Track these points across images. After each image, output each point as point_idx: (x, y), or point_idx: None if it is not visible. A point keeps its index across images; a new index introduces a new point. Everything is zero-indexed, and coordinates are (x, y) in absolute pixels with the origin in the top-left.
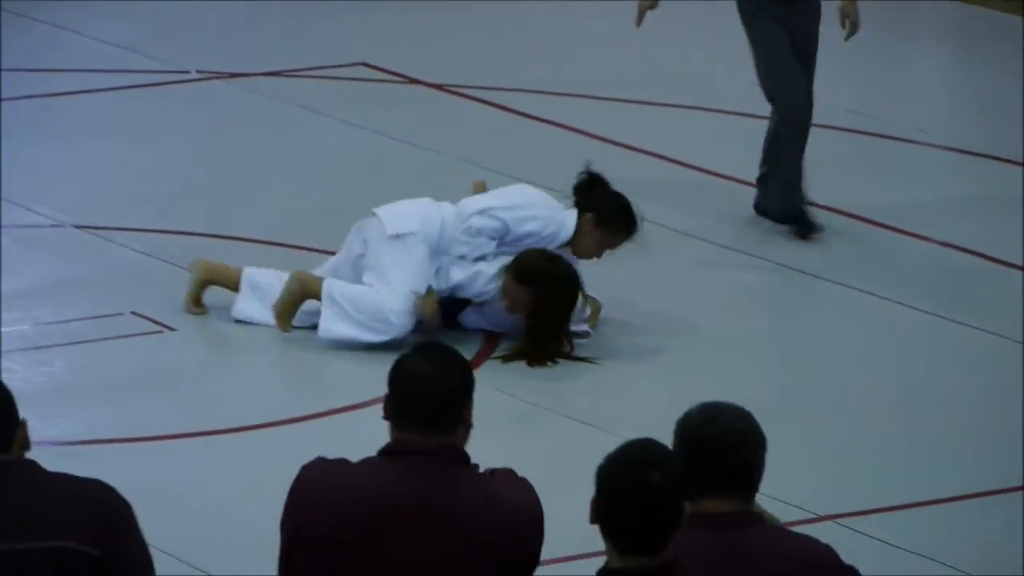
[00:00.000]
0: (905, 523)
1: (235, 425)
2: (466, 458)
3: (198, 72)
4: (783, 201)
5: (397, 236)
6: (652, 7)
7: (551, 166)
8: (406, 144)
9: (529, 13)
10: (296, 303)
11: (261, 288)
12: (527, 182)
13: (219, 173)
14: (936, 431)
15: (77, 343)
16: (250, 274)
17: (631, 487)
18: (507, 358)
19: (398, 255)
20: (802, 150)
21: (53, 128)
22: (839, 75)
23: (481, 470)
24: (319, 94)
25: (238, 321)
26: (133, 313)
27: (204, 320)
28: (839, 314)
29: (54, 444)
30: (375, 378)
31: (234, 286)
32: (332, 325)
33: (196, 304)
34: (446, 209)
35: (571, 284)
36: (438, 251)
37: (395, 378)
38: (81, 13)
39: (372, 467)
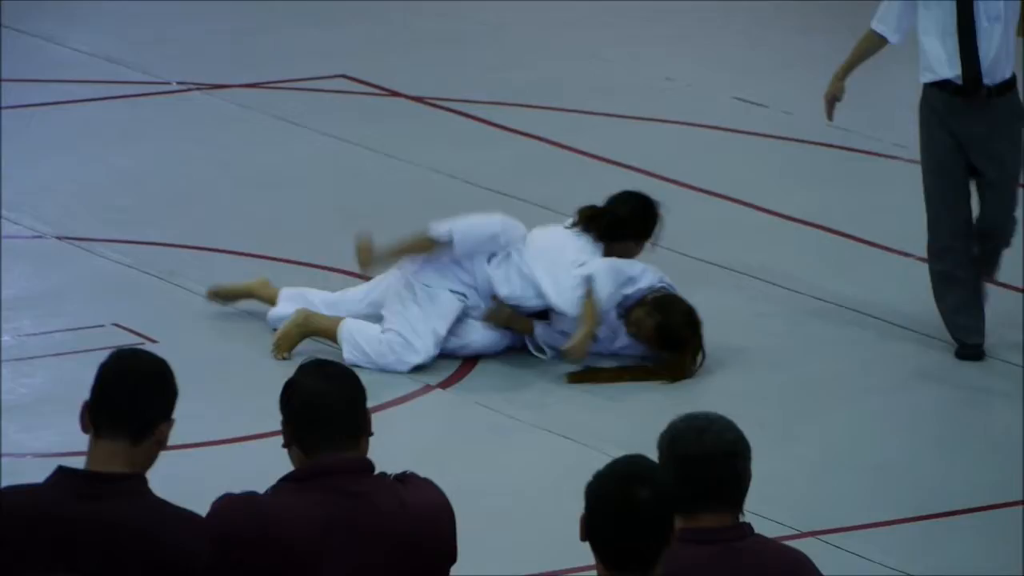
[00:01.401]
0: (887, 540)
1: (217, 438)
2: (372, 467)
3: (178, 83)
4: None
5: (427, 285)
6: (839, 97)
7: (531, 179)
8: (386, 156)
9: (510, 26)
10: (297, 340)
11: (302, 298)
12: (507, 194)
13: (200, 185)
14: (918, 448)
15: (59, 355)
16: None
17: (619, 503)
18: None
19: (414, 298)
20: (941, 274)
21: (34, 138)
22: (815, 90)
23: (387, 476)
24: (300, 106)
25: (275, 329)
26: (115, 325)
27: (186, 332)
28: (821, 332)
29: (35, 456)
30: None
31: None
32: (352, 357)
33: (225, 298)
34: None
35: (697, 346)
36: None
37: (293, 401)
38: (63, 24)
39: (289, 495)
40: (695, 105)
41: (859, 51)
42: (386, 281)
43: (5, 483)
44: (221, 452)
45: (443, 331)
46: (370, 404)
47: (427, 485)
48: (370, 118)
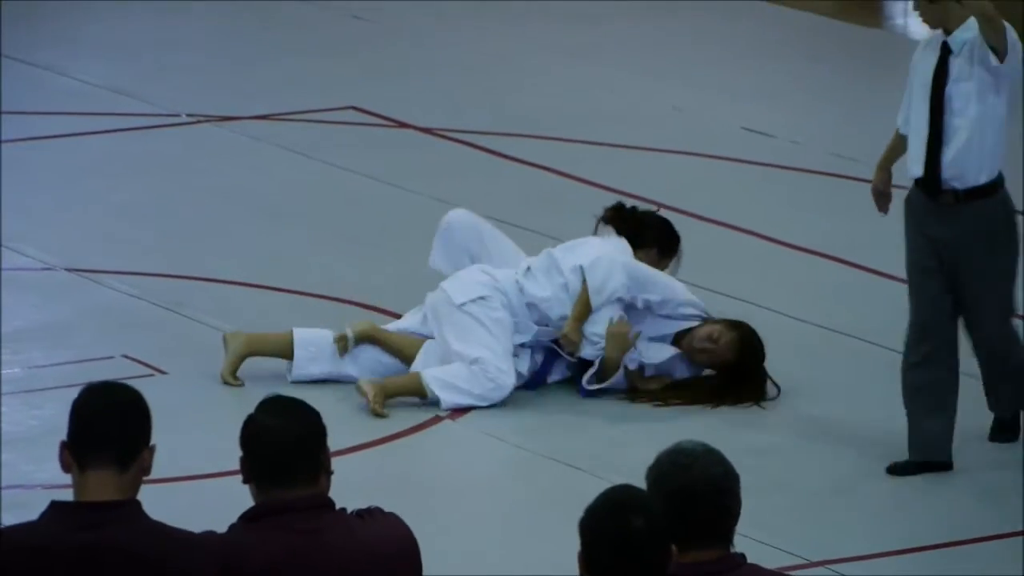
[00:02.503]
0: (895, 569)
1: (227, 469)
2: (331, 504)
3: (188, 115)
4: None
5: (466, 303)
6: (882, 188)
7: (538, 209)
8: (395, 187)
9: (517, 56)
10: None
11: (317, 344)
12: (515, 225)
13: (209, 216)
14: (926, 477)
15: (68, 386)
16: (301, 334)
17: (614, 534)
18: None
19: (478, 321)
20: (912, 385)
21: (44, 170)
22: (823, 119)
23: (351, 511)
24: (309, 137)
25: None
26: (124, 356)
27: (196, 364)
28: (829, 361)
29: (45, 487)
30: (373, 420)
31: (281, 352)
32: (451, 399)
33: (233, 376)
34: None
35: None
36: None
37: (248, 438)
38: (72, 56)
39: (240, 535)
40: (703, 135)
41: (889, 148)
42: (411, 323)
43: (14, 513)
44: (228, 484)
45: (511, 347)
46: (379, 436)
47: (389, 520)
48: (379, 149)
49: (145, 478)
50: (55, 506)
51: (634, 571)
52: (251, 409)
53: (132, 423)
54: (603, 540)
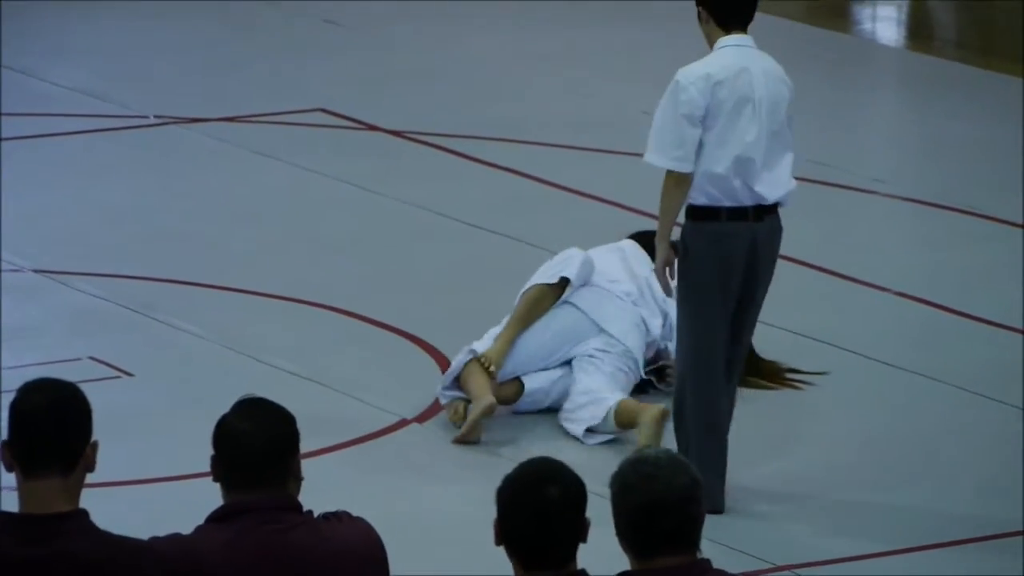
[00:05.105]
0: (862, 573)
1: (193, 472)
2: (298, 507)
3: (156, 117)
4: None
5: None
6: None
7: (508, 213)
8: (364, 190)
9: (488, 61)
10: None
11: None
12: (483, 228)
13: (177, 218)
14: (898, 479)
15: None
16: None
17: (530, 502)
18: None
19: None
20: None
21: (11, 172)
22: (798, 125)
23: (318, 515)
24: (277, 140)
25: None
26: (91, 358)
27: (163, 366)
28: (796, 363)
29: (9, 489)
30: (338, 423)
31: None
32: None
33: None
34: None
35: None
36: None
37: (218, 438)
38: (40, 58)
39: (205, 535)
40: None
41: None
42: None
43: None
44: (193, 487)
45: None
46: (349, 437)
47: (357, 524)
48: (348, 152)
49: (108, 481)
50: (1, 517)
51: (548, 540)
52: (218, 415)
53: (73, 426)
54: (517, 509)
